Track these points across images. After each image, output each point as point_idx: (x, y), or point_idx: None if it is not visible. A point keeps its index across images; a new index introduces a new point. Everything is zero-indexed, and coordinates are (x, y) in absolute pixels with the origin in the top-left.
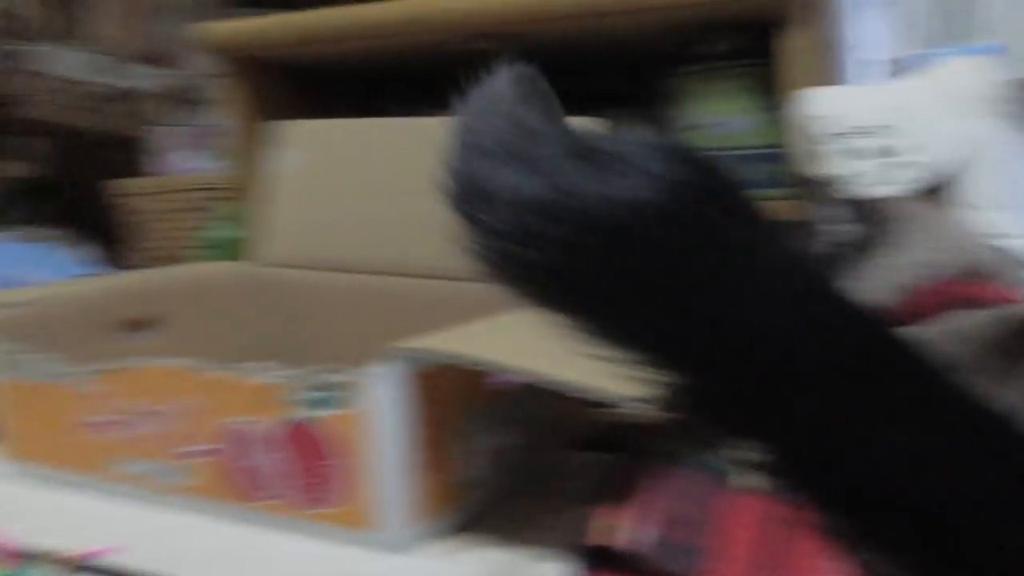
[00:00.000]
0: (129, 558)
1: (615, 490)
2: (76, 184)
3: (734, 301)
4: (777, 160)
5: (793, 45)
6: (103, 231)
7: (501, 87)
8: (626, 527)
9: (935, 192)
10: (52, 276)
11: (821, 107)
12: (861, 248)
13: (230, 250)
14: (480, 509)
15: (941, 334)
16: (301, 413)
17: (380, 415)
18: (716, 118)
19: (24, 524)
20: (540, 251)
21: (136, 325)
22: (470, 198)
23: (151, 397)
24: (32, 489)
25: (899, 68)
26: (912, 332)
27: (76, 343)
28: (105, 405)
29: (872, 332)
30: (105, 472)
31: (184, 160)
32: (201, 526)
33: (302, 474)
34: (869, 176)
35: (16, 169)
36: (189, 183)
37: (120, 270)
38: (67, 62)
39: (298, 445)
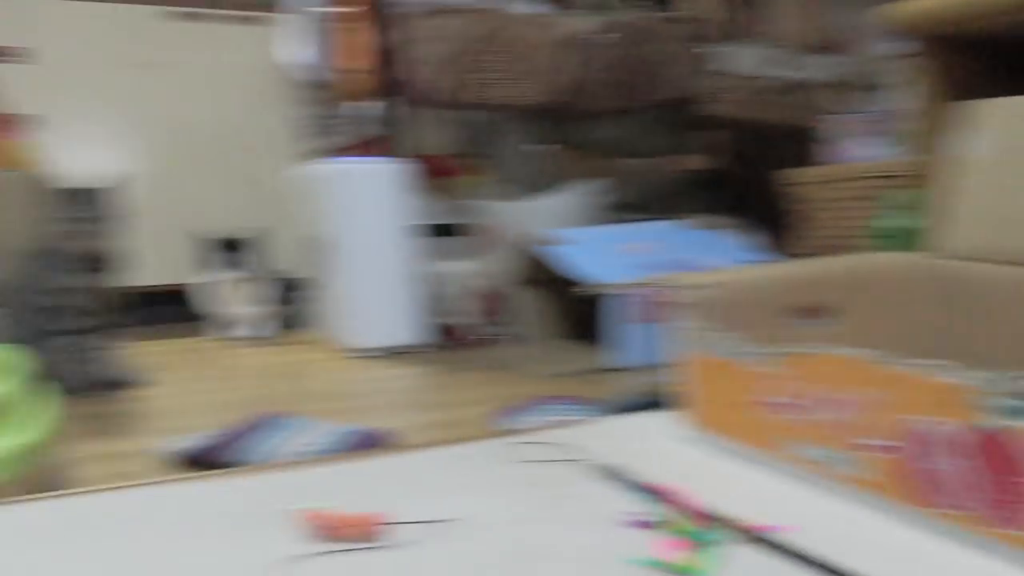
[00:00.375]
0: (799, 538)
1: None
2: (748, 174)
3: None
4: None
5: None
6: (771, 219)
7: None
8: None
9: None
10: (723, 261)
11: None
12: None
13: (905, 240)
14: None
15: None
16: (994, 421)
17: None
18: None
19: (707, 489)
20: None
21: (809, 312)
22: None
23: (829, 384)
24: (713, 457)
25: None
26: None
27: (753, 325)
28: (784, 387)
29: None
30: (779, 451)
31: (857, 148)
32: (872, 520)
33: (992, 487)
34: None
35: (696, 162)
36: (862, 171)
37: (787, 258)
38: (746, 59)
39: (989, 455)
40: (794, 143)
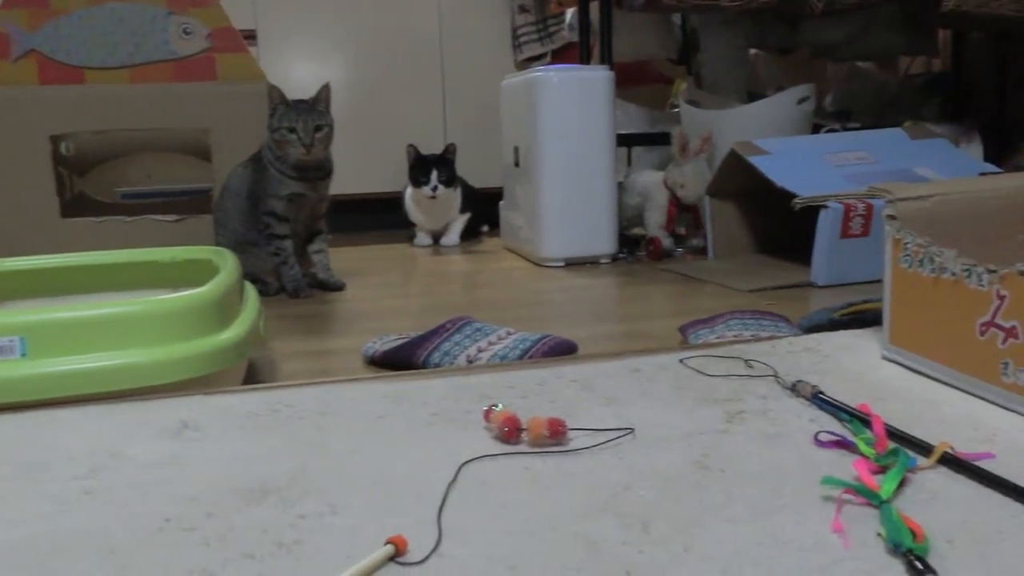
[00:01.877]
0: (991, 465)
1: None
2: (980, 78)
3: None
4: None
5: None
6: (997, 127)
7: None
8: None
9: None
10: (942, 172)
11: None
12: None
13: None
14: None
15: None
16: None
17: None
18: None
19: (899, 411)
20: None
21: None
22: None
23: None
24: (912, 379)
25: None
26: None
27: (968, 241)
28: (999, 307)
29: None
30: (985, 374)
31: None
32: None
33: None
34: None
35: (923, 64)
36: None
37: (1013, 170)
38: None
39: None
40: None
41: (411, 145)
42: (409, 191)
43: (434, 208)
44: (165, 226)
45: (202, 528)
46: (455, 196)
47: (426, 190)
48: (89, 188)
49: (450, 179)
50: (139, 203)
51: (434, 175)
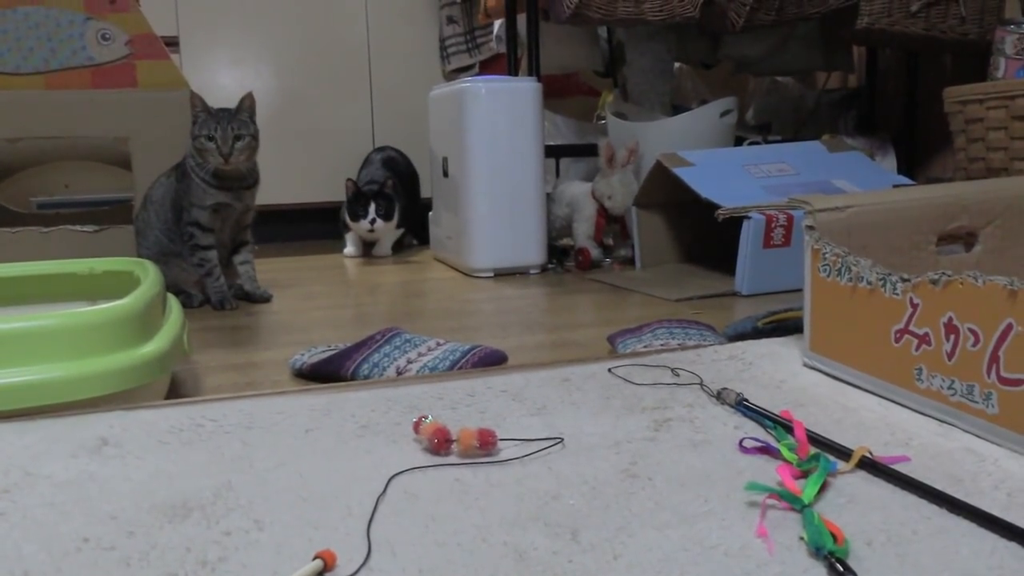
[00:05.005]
0: (907, 468)
1: None
2: (893, 92)
3: None
4: None
5: None
6: (908, 140)
7: None
8: None
9: None
10: (858, 184)
11: None
12: None
13: None
14: None
15: None
16: None
17: None
18: None
19: (819, 417)
20: None
21: (950, 239)
22: None
23: (962, 313)
24: (831, 385)
25: None
26: None
27: (884, 250)
28: (912, 315)
29: None
30: (901, 380)
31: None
32: (992, 454)
33: None
34: None
35: (838, 79)
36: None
37: (925, 181)
38: None
39: None
40: (952, 58)
41: (350, 180)
42: (340, 198)
43: (371, 238)
44: (84, 237)
45: (123, 547)
46: (393, 229)
47: (364, 224)
48: (3, 198)
49: (388, 213)
50: (56, 213)
51: (372, 208)
